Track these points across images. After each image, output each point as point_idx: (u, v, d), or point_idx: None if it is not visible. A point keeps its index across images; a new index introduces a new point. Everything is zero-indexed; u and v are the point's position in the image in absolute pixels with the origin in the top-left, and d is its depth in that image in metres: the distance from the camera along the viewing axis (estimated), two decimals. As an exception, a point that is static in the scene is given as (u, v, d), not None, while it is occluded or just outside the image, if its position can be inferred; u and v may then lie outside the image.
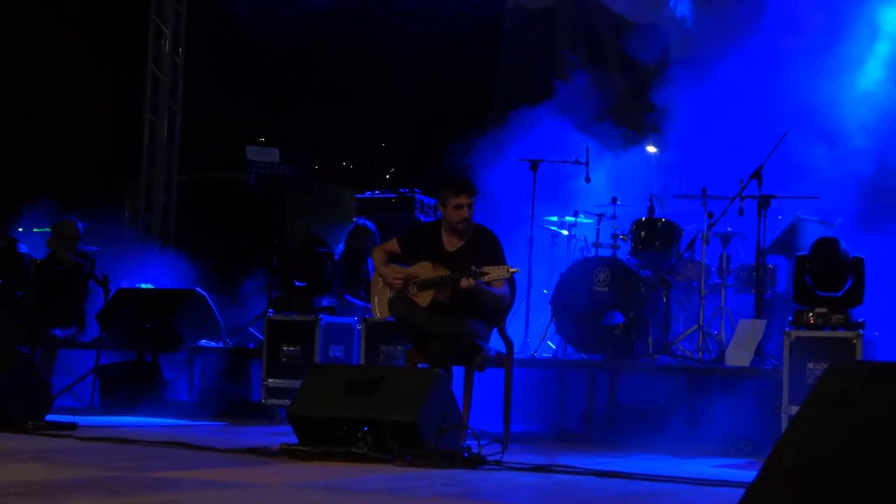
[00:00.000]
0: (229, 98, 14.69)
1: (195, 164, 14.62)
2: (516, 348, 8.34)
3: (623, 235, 9.05)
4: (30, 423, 7.16)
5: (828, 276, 7.45)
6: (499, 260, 7.05)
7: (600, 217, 9.27)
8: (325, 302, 9.17)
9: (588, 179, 9.42)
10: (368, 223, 10.31)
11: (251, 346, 9.91)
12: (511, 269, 6.79)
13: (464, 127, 10.92)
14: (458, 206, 7.08)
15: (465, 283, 6.82)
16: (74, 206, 10.72)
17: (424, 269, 7.11)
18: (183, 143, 13.45)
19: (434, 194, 10.34)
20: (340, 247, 10.27)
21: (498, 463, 5.79)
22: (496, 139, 11.93)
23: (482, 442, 5.90)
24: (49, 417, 7.44)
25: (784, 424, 7.09)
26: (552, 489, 5.19)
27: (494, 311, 7.17)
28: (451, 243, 7.22)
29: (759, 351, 7.81)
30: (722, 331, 8.59)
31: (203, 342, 9.73)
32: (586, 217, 9.39)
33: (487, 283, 6.85)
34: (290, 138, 11.29)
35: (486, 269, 6.76)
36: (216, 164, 15.33)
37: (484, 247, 7.14)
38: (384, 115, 15.05)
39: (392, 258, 7.36)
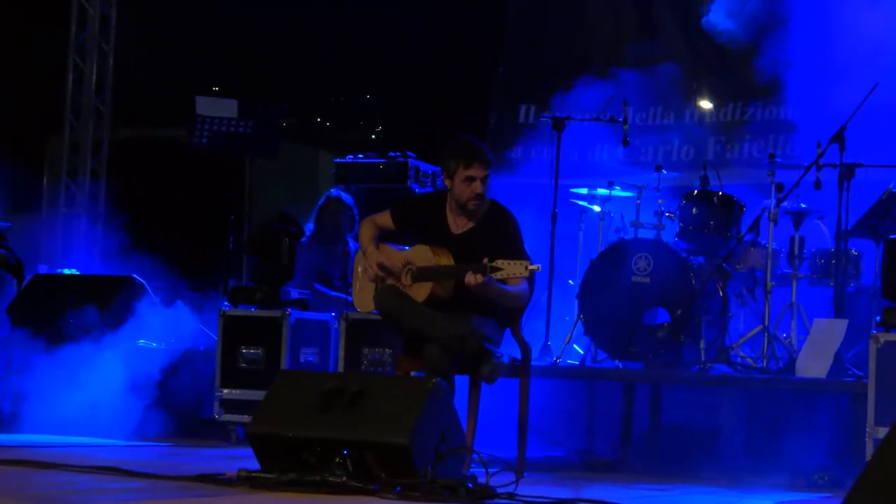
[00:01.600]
0: (175, 36, 14.67)
1: (131, 120, 14.61)
2: (535, 353, 8.36)
3: (670, 213, 9.07)
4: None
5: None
6: (516, 249, 7.01)
7: (641, 190, 9.28)
8: (295, 294, 9.18)
9: (626, 143, 9.43)
10: (343, 194, 10.31)
11: (201, 347, 9.93)
12: (531, 267, 6.69)
13: (472, 72, 10.96)
14: (470, 179, 7.05)
15: (471, 279, 6.76)
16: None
17: (421, 255, 7.09)
18: (116, 92, 13.45)
19: (434, 160, 10.35)
20: (310, 225, 10.28)
21: (511, 496, 5.82)
22: (513, 88, 11.99)
23: (491, 470, 5.92)
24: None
25: (869, 451, 7.12)
26: (578, 529, 5.23)
27: (508, 310, 7.18)
28: (457, 224, 7.20)
29: (838, 359, 7.84)
30: (793, 333, 8.62)
31: (140, 342, 9.75)
32: (624, 189, 9.41)
33: (502, 280, 6.79)
34: (252, 88, 11.29)
35: (499, 262, 6.69)
36: (158, 120, 15.32)
37: (499, 231, 7.11)
38: (369, 56, 15.02)
39: (383, 236, 7.34)
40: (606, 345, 8.69)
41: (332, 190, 10.49)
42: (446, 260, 6.98)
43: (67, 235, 13.16)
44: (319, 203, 10.36)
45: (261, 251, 9.27)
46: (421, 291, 7.00)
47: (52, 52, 13.50)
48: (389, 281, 7.13)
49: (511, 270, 6.69)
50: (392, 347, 8.30)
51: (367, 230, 7.34)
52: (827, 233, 9.31)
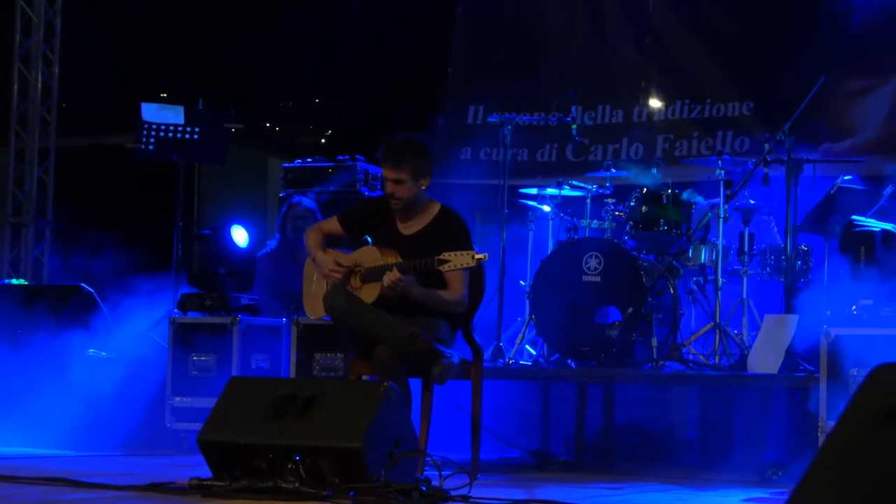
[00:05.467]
0: (120, 43, 14.59)
1: (78, 128, 14.52)
2: (487, 355, 8.37)
3: (620, 212, 9.10)
4: None
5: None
6: (464, 247, 6.98)
7: (590, 189, 9.31)
8: (245, 300, 9.16)
9: (576, 142, 9.44)
10: (304, 199, 10.30)
11: (152, 355, 9.87)
12: (477, 256, 6.66)
13: (421, 73, 10.94)
14: (385, 180, 7.06)
15: (389, 277, 6.76)
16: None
17: (369, 256, 7.05)
18: (62, 101, 13.37)
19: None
20: (276, 236, 10.27)
21: (464, 498, 5.81)
22: (462, 88, 11.99)
23: (444, 473, 5.91)
24: None
25: (821, 445, 7.15)
26: (532, 530, 5.22)
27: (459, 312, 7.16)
28: (406, 225, 7.16)
29: (789, 354, 7.87)
30: (744, 329, 8.66)
31: (91, 351, 9.69)
32: (573, 189, 9.42)
33: (451, 270, 6.73)
34: (198, 93, 11.22)
35: (445, 254, 6.67)
36: (105, 128, 15.24)
37: (448, 231, 7.06)
38: (318, 61, 14.99)
39: (331, 242, 7.31)
40: (558, 345, 8.70)
41: (294, 196, 10.46)
42: (394, 259, 6.93)
43: (15, 245, 13.07)
44: (282, 211, 10.34)
45: (220, 260, 9.26)
46: (370, 293, 6.95)
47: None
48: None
49: (458, 261, 6.65)
50: (344, 352, 8.29)
51: (312, 236, 7.30)
52: (776, 229, 9.36)
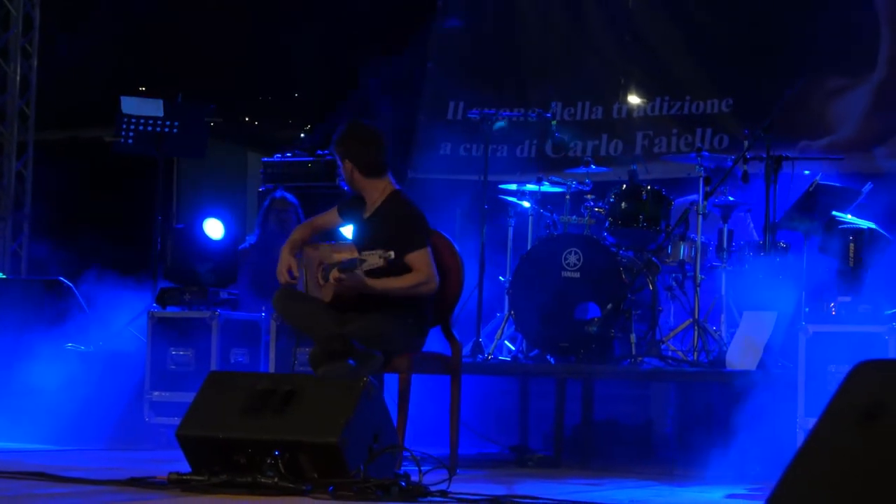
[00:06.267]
0: (99, 37, 14.53)
1: (56, 122, 14.46)
2: (466, 350, 8.37)
3: (599, 208, 9.10)
4: None
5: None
6: (406, 233, 7.02)
7: (570, 185, 9.31)
8: (224, 294, 9.14)
9: (555, 138, 9.45)
10: (287, 194, 10.29)
11: (131, 350, 9.84)
12: (383, 255, 6.66)
13: (400, 69, 10.91)
14: None
15: (332, 276, 6.86)
16: None
17: (327, 253, 7.13)
18: (40, 94, 13.31)
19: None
20: (256, 231, 10.25)
21: (443, 493, 5.81)
22: (441, 84, 11.99)
23: (424, 468, 5.91)
24: None
25: (800, 441, 7.16)
26: (512, 525, 5.22)
27: (436, 308, 7.18)
28: (367, 210, 7.29)
29: (768, 350, 7.89)
30: (722, 326, 8.67)
31: (69, 345, 9.66)
32: (553, 185, 9.42)
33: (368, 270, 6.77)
34: (177, 87, 11.18)
35: (364, 254, 6.75)
36: (83, 121, 15.18)
37: (394, 216, 7.14)
38: (299, 56, 14.96)
39: (324, 236, 7.43)
40: (538, 340, 8.70)
41: (277, 191, 10.45)
42: (348, 254, 6.94)
43: (-8, 239, 13.02)
44: (264, 205, 10.32)
45: (199, 254, 9.25)
46: (329, 291, 7.02)
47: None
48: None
49: (371, 261, 6.71)
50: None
51: (297, 232, 7.43)
52: (752, 225, 9.38)
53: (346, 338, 6.83)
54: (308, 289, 7.22)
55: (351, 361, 6.81)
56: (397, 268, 6.89)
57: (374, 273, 6.80)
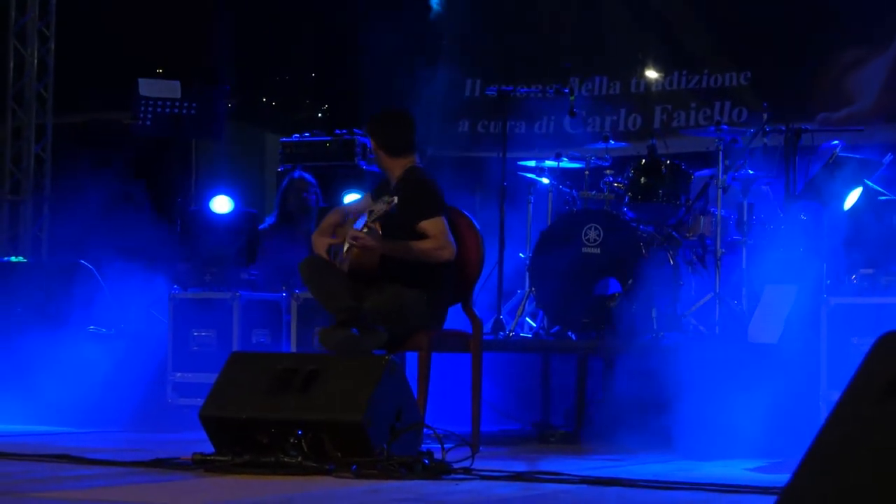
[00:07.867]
0: (116, 18, 14.53)
1: (75, 105, 14.46)
2: (487, 327, 8.36)
3: (618, 183, 9.08)
4: None
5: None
6: (418, 204, 7.10)
7: (589, 160, 9.29)
8: (245, 275, 9.15)
9: (573, 114, 9.42)
10: (306, 174, 10.29)
11: (153, 331, 9.86)
12: (388, 199, 6.83)
13: (418, 46, 10.88)
14: None
15: (351, 234, 6.93)
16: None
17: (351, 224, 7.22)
18: (58, 77, 13.32)
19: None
20: (275, 211, 10.26)
21: (467, 471, 5.81)
22: (458, 61, 11.97)
23: (447, 445, 5.92)
24: None
25: (823, 415, 7.14)
26: (534, 502, 5.21)
27: (457, 284, 7.19)
28: (393, 189, 7.32)
29: (789, 324, 7.87)
30: (743, 300, 8.65)
31: (91, 328, 9.68)
32: (571, 161, 9.41)
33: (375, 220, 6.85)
34: (195, 69, 11.18)
35: (371, 206, 6.93)
36: (102, 104, 15.18)
37: (410, 190, 7.19)
38: (314, 35, 14.94)
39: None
40: (558, 317, 8.70)
41: (295, 171, 10.45)
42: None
43: (13, 222, 13.04)
44: (283, 186, 10.33)
45: (222, 235, 9.27)
46: (345, 264, 7.07)
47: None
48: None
49: (377, 210, 6.84)
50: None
51: (329, 218, 7.48)
52: (774, 199, 9.35)
53: (356, 309, 6.85)
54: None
55: (354, 331, 6.84)
56: (409, 233, 6.96)
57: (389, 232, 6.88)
